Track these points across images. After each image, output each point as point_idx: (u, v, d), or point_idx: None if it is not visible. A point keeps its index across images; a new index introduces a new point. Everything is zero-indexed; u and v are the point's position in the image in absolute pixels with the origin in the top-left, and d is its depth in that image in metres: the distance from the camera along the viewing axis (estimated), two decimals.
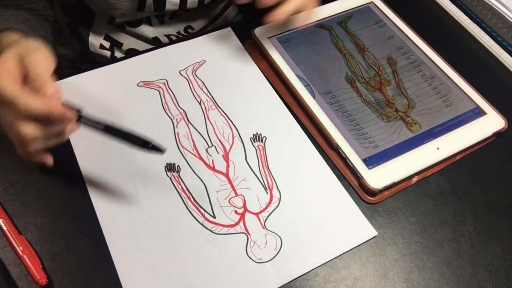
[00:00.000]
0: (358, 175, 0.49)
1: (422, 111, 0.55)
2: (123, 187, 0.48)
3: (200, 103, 0.56)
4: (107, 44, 0.73)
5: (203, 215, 0.47)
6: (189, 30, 0.74)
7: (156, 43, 0.73)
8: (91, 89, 0.56)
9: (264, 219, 0.47)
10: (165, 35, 0.72)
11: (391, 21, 0.64)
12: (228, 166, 0.51)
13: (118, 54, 0.75)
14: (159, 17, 0.71)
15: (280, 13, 0.52)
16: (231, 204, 0.48)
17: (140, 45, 0.73)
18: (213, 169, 0.50)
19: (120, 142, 0.44)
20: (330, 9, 0.65)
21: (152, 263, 0.44)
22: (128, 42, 0.73)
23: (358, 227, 0.47)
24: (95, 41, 0.73)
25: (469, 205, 0.50)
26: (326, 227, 0.47)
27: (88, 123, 0.44)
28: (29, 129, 0.41)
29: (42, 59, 0.42)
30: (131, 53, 0.74)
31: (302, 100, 0.54)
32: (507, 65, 0.62)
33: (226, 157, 0.51)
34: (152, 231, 0.46)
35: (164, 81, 0.57)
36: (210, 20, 0.75)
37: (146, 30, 0.72)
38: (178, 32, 0.73)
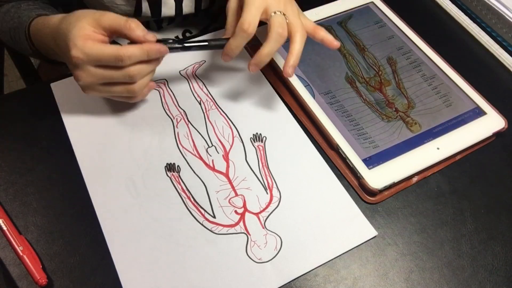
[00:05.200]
0: (358, 175, 0.49)
1: (422, 111, 0.55)
2: (123, 187, 0.48)
3: (200, 103, 0.56)
4: None
5: (203, 215, 0.47)
6: (187, 34, 0.74)
7: None
8: None
9: (264, 219, 0.47)
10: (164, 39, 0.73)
11: (391, 21, 0.64)
12: (228, 166, 0.51)
13: None
14: (157, 22, 0.71)
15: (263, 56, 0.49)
16: (231, 204, 0.48)
17: None
18: (213, 169, 0.50)
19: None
20: (330, 9, 0.65)
21: (152, 263, 0.44)
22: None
23: (358, 227, 0.47)
24: None
25: (469, 205, 0.50)
26: (326, 227, 0.47)
27: (175, 49, 0.50)
28: (135, 70, 0.46)
29: (111, 14, 0.46)
30: None
31: (302, 100, 0.54)
32: (507, 65, 0.62)
33: (226, 157, 0.51)
34: (152, 231, 0.46)
35: (164, 81, 0.57)
36: (208, 24, 0.75)
37: None
38: (176, 37, 0.73)
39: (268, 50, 0.48)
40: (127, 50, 0.44)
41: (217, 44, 0.51)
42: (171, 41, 0.50)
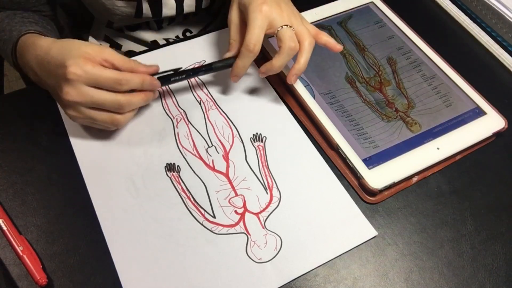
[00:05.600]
0: (358, 175, 0.49)
1: (422, 111, 0.55)
2: (123, 187, 0.48)
3: (200, 103, 0.56)
4: (106, 45, 0.73)
5: (203, 215, 0.47)
6: (187, 34, 0.74)
7: (154, 46, 0.73)
8: None
9: (264, 219, 0.47)
10: (164, 39, 0.73)
11: (391, 21, 0.64)
12: (228, 166, 0.51)
13: None
14: (158, 22, 0.71)
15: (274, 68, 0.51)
16: (231, 204, 0.48)
17: (139, 48, 0.74)
18: (213, 169, 0.50)
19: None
20: (330, 9, 0.65)
21: (152, 263, 0.44)
22: (127, 44, 0.73)
23: (358, 227, 0.47)
24: (95, 42, 0.73)
25: (469, 205, 0.50)
26: (326, 227, 0.47)
27: (172, 82, 0.52)
28: (125, 100, 0.47)
29: (113, 51, 0.48)
30: (131, 54, 0.74)
31: (302, 100, 0.54)
32: (507, 65, 0.62)
33: (226, 157, 0.51)
34: (152, 231, 0.46)
35: None
36: (208, 23, 0.75)
37: (145, 33, 0.72)
38: (177, 36, 0.73)
39: (280, 63, 0.50)
40: (125, 75, 0.46)
41: (222, 65, 0.53)
42: (172, 72, 0.52)
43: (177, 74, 0.52)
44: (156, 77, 0.50)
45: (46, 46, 0.48)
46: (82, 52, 0.45)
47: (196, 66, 0.59)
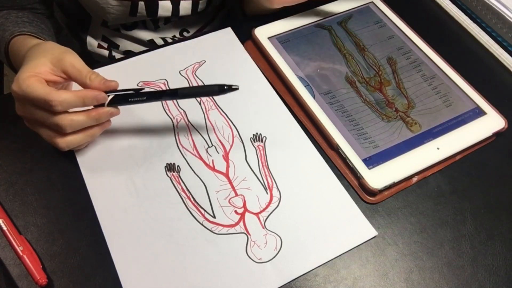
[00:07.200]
0: (358, 175, 0.49)
1: (422, 111, 0.55)
2: (123, 187, 0.48)
3: (200, 103, 0.56)
4: (104, 44, 0.74)
5: (203, 215, 0.47)
6: (185, 34, 0.74)
7: (152, 46, 0.73)
8: None
9: (264, 219, 0.47)
10: (161, 38, 0.72)
11: (391, 21, 0.64)
12: (228, 166, 0.51)
13: (116, 55, 0.75)
14: (154, 22, 0.71)
15: None
16: (231, 204, 0.48)
17: (136, 47, 0.74)
18: (213, 169, 0.50)
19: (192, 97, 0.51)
20: (330, 9, 0.65)
21: (152, 263, 0.44)
22: (125, 44, 0.73)
23: (358, 227, 0.47)
24: (93, 41, 0.73)
25: (469, 205, 0.50)
26: (326, 227, 0.47)
27: (130, 103, 0.47)
28: (65, 120, 0.43)
29: (78, 59, 0.45)
30: (129, 54, 0.74)
31: (302, 100, 0.54)
32: (507, 65, 0.62)
33: (226, 157, 0.51)
34: (152, 231, 0.46)
35: (164, 81, 0.57)
36: (205, 23, 0.75)
37: (142, 33, 0.72)
38: (174, 36, 0.73)
39: None
40: (59, 95, 0.42)
41: (188, 93, 0.48)
42: (132, 92, 0.47)
43: (137, 95, 0.46)
44: (112, 94, 0.46)
45: (25, 50, 0.47)
46: (36, 65, 0.43)
47: (196, 65, 0.59)
